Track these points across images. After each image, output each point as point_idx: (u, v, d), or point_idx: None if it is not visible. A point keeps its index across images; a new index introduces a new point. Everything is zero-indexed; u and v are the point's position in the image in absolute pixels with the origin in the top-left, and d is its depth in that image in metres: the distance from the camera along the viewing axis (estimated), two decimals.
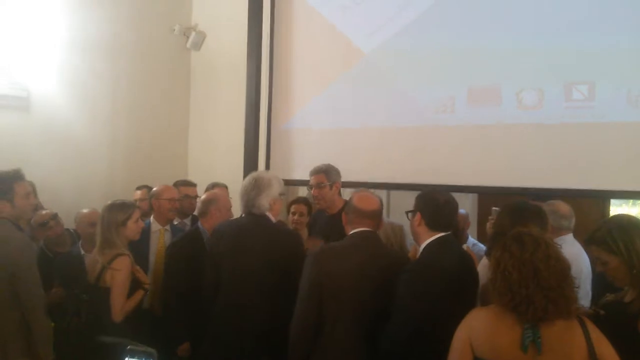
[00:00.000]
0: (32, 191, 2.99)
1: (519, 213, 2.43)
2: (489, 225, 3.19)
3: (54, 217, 3.49)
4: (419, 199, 2.48)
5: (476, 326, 1.91)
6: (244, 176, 4.82)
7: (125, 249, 3.00)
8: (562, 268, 1.83)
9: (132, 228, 3.07)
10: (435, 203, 2.41)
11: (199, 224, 3.37)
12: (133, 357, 1.33)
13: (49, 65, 4.22)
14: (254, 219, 2.88)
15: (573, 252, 2.84)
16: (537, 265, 1.81)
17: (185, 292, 3.07)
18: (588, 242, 2.25)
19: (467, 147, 4.05)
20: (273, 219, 2.92)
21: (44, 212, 3.44)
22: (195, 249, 3.18)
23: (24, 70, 4.07)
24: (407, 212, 2.51)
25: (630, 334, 1.98)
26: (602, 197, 4.26)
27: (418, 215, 2.42)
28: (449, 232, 2.40)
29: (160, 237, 3.67)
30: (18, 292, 2.68)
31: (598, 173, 3.66)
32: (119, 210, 3.04)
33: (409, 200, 4.07)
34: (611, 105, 3.63)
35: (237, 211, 3.73)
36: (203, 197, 3.46)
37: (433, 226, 2.38)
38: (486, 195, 4.49)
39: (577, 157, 3.71)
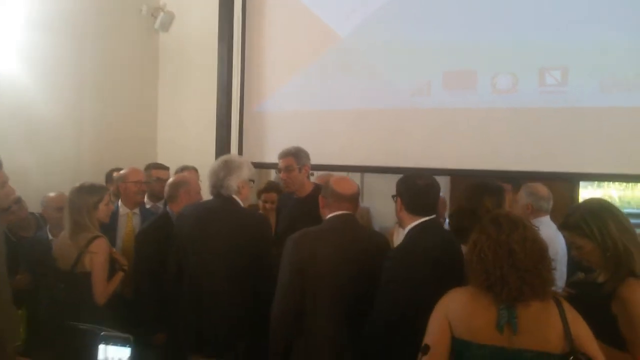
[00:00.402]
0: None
1: (473, 190, 2.47)
2: None
3: (17, 201, 3.37)
4: (399, 184, 2.45)
5: (453, 307, 1.92)
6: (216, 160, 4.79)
7: (98, 232, 2.95)
8: (539, 249, 1.84)
9: (104, 210, 3.02)
10: (415, 188, 2.37)
11: (168, 208, 3.28)
12: (108, 343, 1.28)
13: (9, 44, 4.06)
14: (221, 201, 2.84)
15: (550, 233, 2.89)
16: (513, 247, 1.82)
17: (157, 277, 3.00)
18: (562, 227, 2.28)
19: (442, 131, 4.07)
20: (241, 203, 2.87)
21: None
22: (166, 234, 3.10)
23: None
24: (393, 196, 2.48)
25: (603, 315, 2.01)
26: (573, 180, 4.33)
27: (399, 200, 2.41)
28: (432, 216, 2.37)
29: (128, 221, 3.61)
30: None
31: (569, 156, 3.72)
32: (89, 193, 2.97)
33: (382, 183, 4.09)
34: (584, 91, 3.69)
35: (206, 195, 3.67)
36: (171, 180, 3.36)
37: (414, 210, 2.36)
38: (459, 178, 4.52)
39: (549, 141, 3.77)
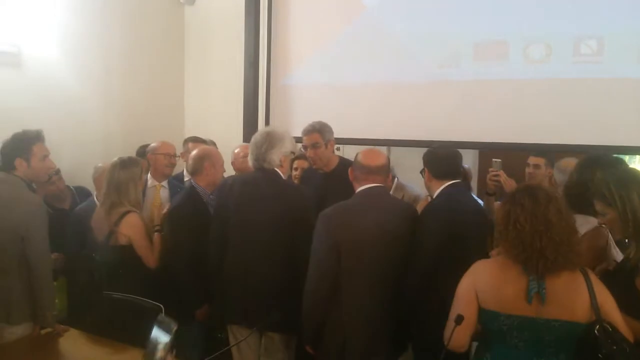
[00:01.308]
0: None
1: (584, 163, 2.61)
2: (489, 177, 3.22)
3: (57, 172, 3.49)
4: (424, 156, 2.74)
5: (481, 278, 1.98)
6: (244, 133, 4.87)
7: (131, 206, 3.07)
8: (571, 222, 1.90)
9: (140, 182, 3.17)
10: (438, 156, 2.70)
11: (194, 182, 3.25)
12: (159, 326, 1.35)
13: (39, 20, 4.16)
14: (264, 175, 2.87)
15: None
16: (550, 219, 1.86)
17: (195, 255, 3.03)
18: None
19: (472, 103, 4.04)
20: (283, 175, 2.90)
21: None
22: (198, 210, 3.15)
23: (14, 25, 4.01)
24: (421, 172, 2.75)
25: (627, 289, 2.02)
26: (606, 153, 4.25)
27: (426, 171, 2.66)
28: (458, 180, 2.63)
29: (155, 193, 3.70)
30: (27, 255, 2.69)
31: (602, 128, 3.66)
32: (134, 165, 3.10)
33: (410, 157, 4.09)
34: (620, 61, 3.61)
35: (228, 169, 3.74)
36: (194, 153, 3.32)
37: (439, 176, 2.65)
38: (487, 152, 4.49)
39: (582, 113, 3.71)
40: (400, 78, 4.29)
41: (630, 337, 1.83)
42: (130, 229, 3.00)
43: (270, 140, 2.86)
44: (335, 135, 3.47)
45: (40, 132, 2.87)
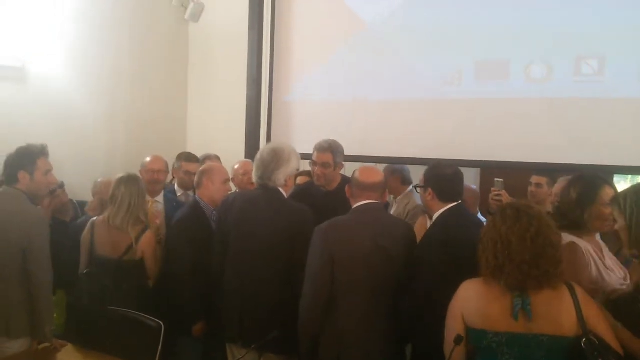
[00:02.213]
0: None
1: (565, 183, 2.60)
2: (491, 196, 3.24)
3: (61, 185, 3.54)
4: (427, 174, 2.67)
5: (467, 297, 2.04)
6: (246, 149, 4.92)
7: (147, 219, 3.25)
8: (542, 244, 1.92)
9: None
10: (443, 177, 2.61)
11: (197, 196, 3.37)
12: None
13: (44, 35, 4.26)
14: (266, 193, 2.88)
15: None
16: (510, 239, 1.92)
17: (197, 269, 3.07)
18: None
19: (474, 122, 4.10)
20: (285, 194, 2.92)
21: None
22: (201, 224, 3.21)
23: (18, 41, 4.10)
24: (415, 187, 2.70)
25: (630, 306, 2.05)
26: (608, 173, 4.27)
27: (429, 190, 2.59)
28: (459, 202, 2.58)
29: (150, 208, 3.70)
30: (28, 268, 2.73)
31: (604, 148, 3.71)
32: (139, 182, 3.23)
33: (412, 176, 4.10)
34: (621, 81, 3.68)
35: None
36: (200, 168, 3.49)
37: (443, 198, 2.58)
38: (489, 170, 4.51)
39: (584, 133, 3.77)
40: (401, 95, 4.37)
41: (619, 349, 1.87)
42: (146, 243, 3.13)
43: (278, 159, 2.86)
44: None
45: (45, 146, 2.95)
